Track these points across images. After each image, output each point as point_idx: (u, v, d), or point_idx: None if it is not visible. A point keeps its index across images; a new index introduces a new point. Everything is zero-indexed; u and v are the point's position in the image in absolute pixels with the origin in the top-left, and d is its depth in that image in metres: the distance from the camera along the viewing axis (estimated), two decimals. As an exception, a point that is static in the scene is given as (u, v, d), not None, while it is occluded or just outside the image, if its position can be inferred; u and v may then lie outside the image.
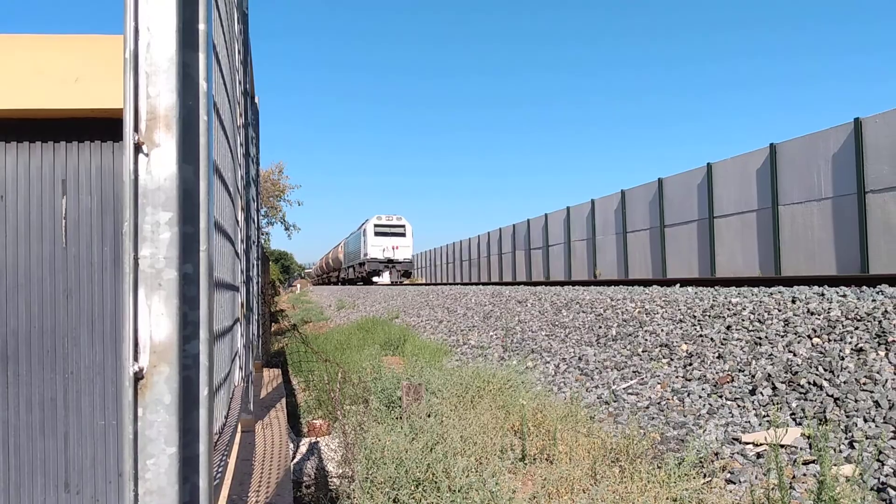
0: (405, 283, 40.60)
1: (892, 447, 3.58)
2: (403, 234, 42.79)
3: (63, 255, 5.32)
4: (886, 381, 4.17)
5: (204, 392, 1.21)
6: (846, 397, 4.21)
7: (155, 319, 1.13)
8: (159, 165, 1.16)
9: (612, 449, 4.47)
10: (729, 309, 6.61)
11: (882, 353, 4.51)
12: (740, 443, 4.32)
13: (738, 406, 4.87)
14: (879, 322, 4.88)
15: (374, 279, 42.17)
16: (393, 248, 42.09)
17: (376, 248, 41.89)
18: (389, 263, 41.90)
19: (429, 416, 5.40)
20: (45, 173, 5.11)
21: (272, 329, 18.92)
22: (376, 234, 42.23)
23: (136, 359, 1.12)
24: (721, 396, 5.11)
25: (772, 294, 6.73)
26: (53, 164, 5.15)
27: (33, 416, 4.84)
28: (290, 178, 51.77)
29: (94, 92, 5.12)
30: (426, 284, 30.79)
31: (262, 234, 34.76)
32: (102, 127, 5.41)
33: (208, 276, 1.24)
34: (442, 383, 6.36)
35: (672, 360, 6.22)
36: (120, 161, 5.21)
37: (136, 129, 1.15)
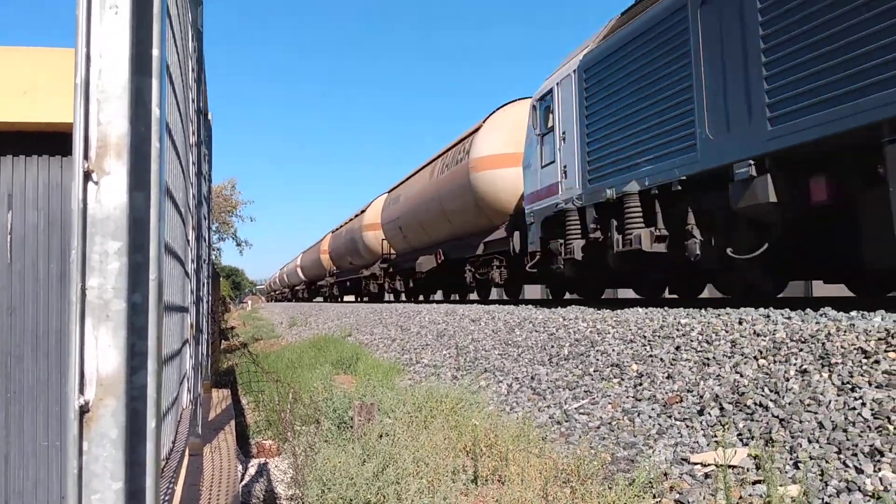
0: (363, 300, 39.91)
1: (836, 468, 3.67)
2: None
3: (7, 270, 5.18)
4: (830, 402, 4.28)
5: (152, 424, 1.19)
6: (791, 418, 4.30)
7: (102, 351, 1.11)
8: (109, 194, 1.14)
9: (564, 469, 4.49)
10: (678, 329, 6.72)
11: (826, 375, 4.63)
12: (689, 463, 4.38)
13: (687, 426, 4.94)
14: (823, 344, 5.01)
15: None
16: None
17: None
18: None
19: (381, 436, 5.37)
20: (-12, 188, 4.99)
21: (222, 347, 18.63)
22: None
23: (81, 392, 1.09)
24: (670, 416, 5.18)
25: (719, 315, 6.85)
26: (-2, 178, 5.04)
27: (-29, 439, 4.70)
28: (242, 193, 51.31)
29: (42, 106, 5.02)
30: (381, 302, 30.64)
31: (213, 251, 34.13)
32: (51, 141, 5.31)
33: (157, 304, 1.22)
34: (394, 403, 6.33)
35: (623, 380, 6.29)
36: (69, 176, 5.11)
37: (85, 156, 1.13)
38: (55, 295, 5.27)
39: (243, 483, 6.08)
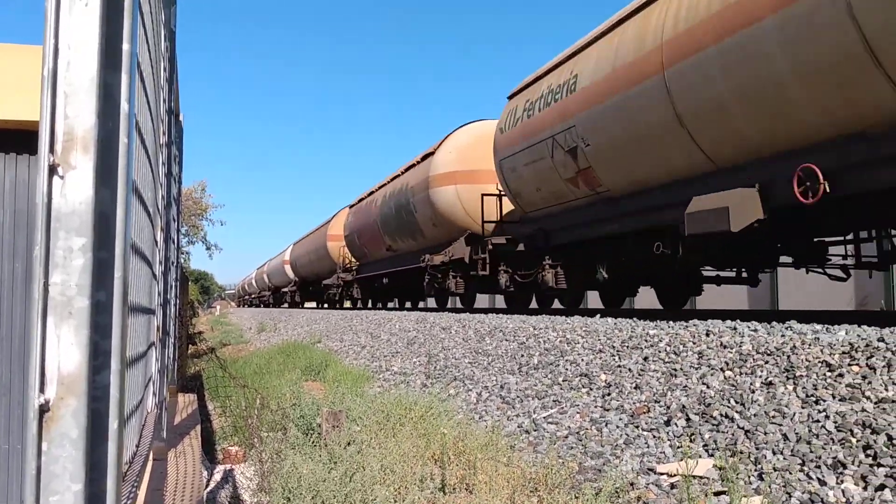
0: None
1: (799, 480, 3.71)
2: None
3: (-31, 271, 5.09)
4: (794, 414, 4.33)
5: (114, 425, 1.16)
6: (756, 430, 4.34)
7: (64, 349, 1.08)
8: (75, 189, 1.11)
9: (532, 478, 4.49)
10: (646, 340, 6.76)
11: (790, 388, 4.68)
12: (655, 473, 4.40)
13: (654, 437, 4.97)
14: (788, 357, 5.07)
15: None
16: None
17: None
18: None
19: (348, 444, 5.33)
20: (-49, 186, 4.91)
21: (189, 352, 18.43)
22: None
23: (42, 390, 1.07)
24: (638, 427, 5.21)
25: (687, 327, 6.91)
26: (-39, 176, 4.95)
27: (-72, 442, 4.59)
28: (213, 196, 50.89)
29: (8, 103, 4.94)
30: (351, 308, 30.52)
31: (182, 254, 33.77)
32: (17, 139, 5.22)
33: (122, 303, 1.20)
34: (363, 410, 6.29)
35: (591, 389, 6.32)
36: (36, 174, 5.03)
37: (51, 150, 1.11)
38: (20, 295, 5.17)
39: (208, 489, 6.00)
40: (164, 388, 4.32)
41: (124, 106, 1.23)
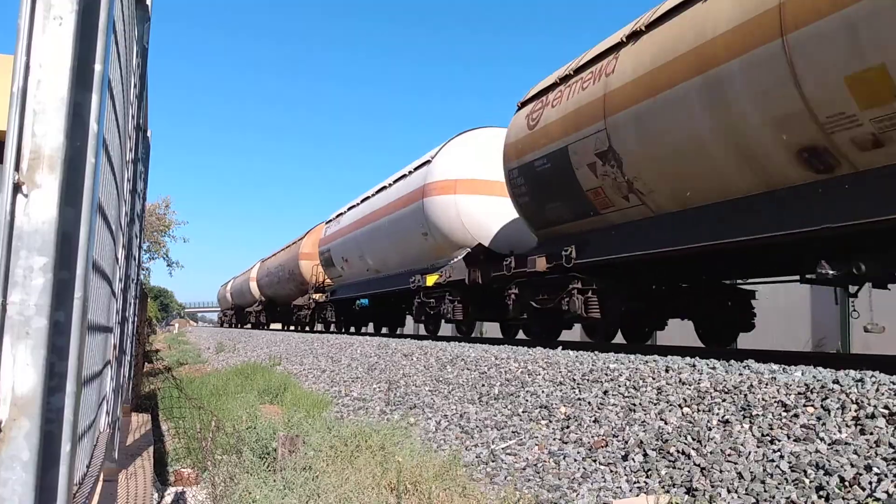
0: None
1: (752, 518, 3.75)
2: None
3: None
4: (749, 453, 4.38)
5: (66, 448, 1.14)
6: (712, 467, 4.38)
7: (19, 370, 1.06)
8: (39, 208, 1.10)
9: (488, 510, 4.47)
10: (607, 374, 6.80)
11: (747, 426, 4.73)
12: (611, 508, 4.41)
13: (611, 471, 4.99)
14: (745, 395, 5.13)
15: None
16: None
17: None
18: None
19: (304, 469, 5.27)
20: None
21: (145, 370, 18.10)
22: None
23: (-7, 412, 1.05)
24: (595, 461, 5.22)
25: (647, 362, 6.97)
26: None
27: None
28: (177, 213, 50.40)
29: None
30: (312, 332, 30.23)
31: (143, 270, 33.31)
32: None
33: (81, 324, 1.18)
34: (321, 436, 6.22)
35: (551, 422, 6.32)
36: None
37: (17, 168, 1.10)
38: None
39: (158, 512, 5.87)
40: (118, 408, 4.24)
41: (93, 126, 1.22)
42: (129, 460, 4.79)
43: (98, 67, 1.23)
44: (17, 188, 1.09)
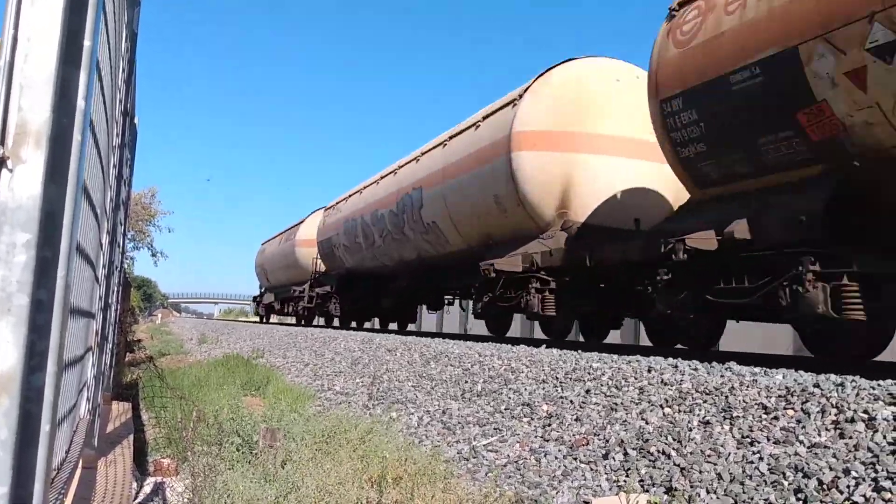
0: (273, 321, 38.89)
1: (730, 518, 3.77)
2: None
3: None
4: (729, 454, 4.40)
5: (46, 428, 1.13)
6: (692, 467, 4.40)
7: (0, 346, 1.05)
8: (23, 183, 1.09)
9: (468, 506, 4.47)
10: (589, 373, 6.82)
11: (727, 427, 4.76)
12: (591, 506, 4.42)
13: (592, 469, 5.00)
14: (726, 397, 5.16)
15: None
16: None
17: None
18: None
19: (285, 462, 5.25)
20: None
21: (127, 359, 17.99)
22: None
23: (-29, 389, 1.03)
24: (576, 459, 5.23)
25: (629, 362, 7.00)
26: None
27: None
28: (162, 203, 50.11)
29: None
30: (294, 325, 30.13)
31: (126, 259, 33.07)
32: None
33: (63, 304, 1.17)
34: (303, 429, 6.20)
35: (533, 419, 6.33)
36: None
37: (2, 142, 1.08)
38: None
39: (137, 500, 5.83)
40: (98, 395, 4.21)
41: (80, 103, 1.21)
42: (109, 448, 4.76)
43: (87, 44, 1.21)
44: (1, 162, 1.07)
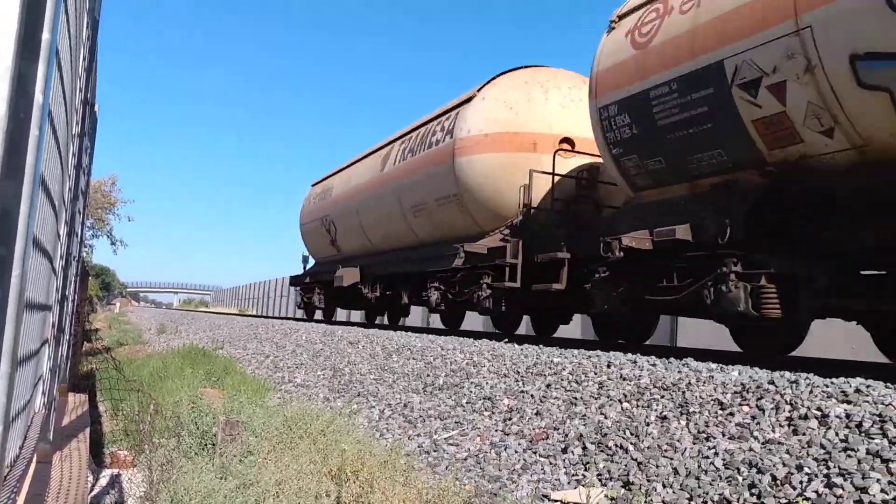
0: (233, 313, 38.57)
1: (685, 513, 3.83)
2: None
3: None
4: (685, 449, 4.47)
5: (-2, 430, 1.11)
6: (649, 462, 4.47)
7: (-49, 348, 1.03)
8: (-23, 181, 1.06)
9: (428, 500, 4.48)
10: (550, 367, 6.88)
11: (683, 423, 4.84)
12: (549, 500, 4.46)
13: (551, 463, 5.05)
14: (683, 393, 5.24)
15: None
16: None
17: None
18: None
19: (244, 455, 5.21)
20: None
21: (84, 349, 17.70)
22: None
23: (-78, 390, 1.01)
24: (535, 452, 5.28)
25: (590, 357, 7.06)
26: None
27: None
28: (122, 191, 49.27)
29: None
30: (256, 316, 29.90)
31: (85, 248, 32.49)
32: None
33: (18, 303, 1.15)
34: (262, 422, 6.16)
35: (493, 413, 6.37)
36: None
37: (-45, 138, 1.05)
38: None
39: (93, 494, 5.76)
40: (54, 388, 4.13)
41: (38, 97, 1.18)
42: (65, 441, 4.68)
43: (46, 37, 1.19)
44: (-45, 159, 1.05)
